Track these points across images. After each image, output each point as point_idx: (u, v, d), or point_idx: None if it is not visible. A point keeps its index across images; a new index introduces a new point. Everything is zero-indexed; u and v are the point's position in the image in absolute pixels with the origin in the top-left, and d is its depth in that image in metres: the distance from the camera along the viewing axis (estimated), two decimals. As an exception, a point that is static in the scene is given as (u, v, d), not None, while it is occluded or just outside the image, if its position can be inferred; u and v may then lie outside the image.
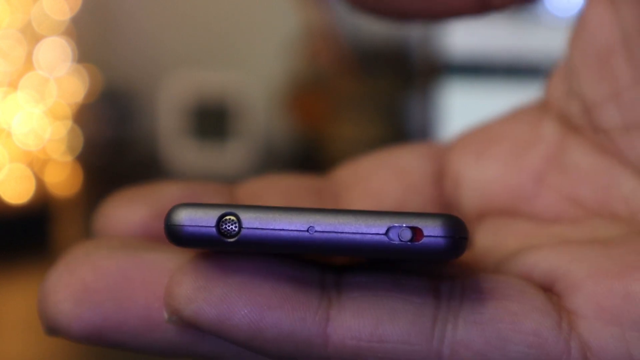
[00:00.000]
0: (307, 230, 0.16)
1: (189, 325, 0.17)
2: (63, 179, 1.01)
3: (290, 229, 0.16)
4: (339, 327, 0.16)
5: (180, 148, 1.16)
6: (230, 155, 1.15)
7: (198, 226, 0.16)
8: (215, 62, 1.23)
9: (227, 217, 0.16)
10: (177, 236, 0.16)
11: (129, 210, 0.20)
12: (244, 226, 0.16)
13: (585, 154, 0.21)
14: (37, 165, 0.97)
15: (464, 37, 0.84)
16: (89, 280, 0.18)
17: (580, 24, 0.21)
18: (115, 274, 0.18)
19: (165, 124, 1.18)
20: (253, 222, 0.16)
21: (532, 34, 0.86)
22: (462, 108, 0.85)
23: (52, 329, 0.18)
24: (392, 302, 0.17)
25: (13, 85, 0.94)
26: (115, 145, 1.18)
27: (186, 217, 0.16)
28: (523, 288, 0.17)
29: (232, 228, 0.16)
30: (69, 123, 1.02)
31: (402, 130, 1.08)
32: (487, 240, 0.21)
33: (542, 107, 0.22)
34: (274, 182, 0.23)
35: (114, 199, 0.21)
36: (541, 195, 0.21)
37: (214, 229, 0.16)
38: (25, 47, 0.95)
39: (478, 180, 0.22)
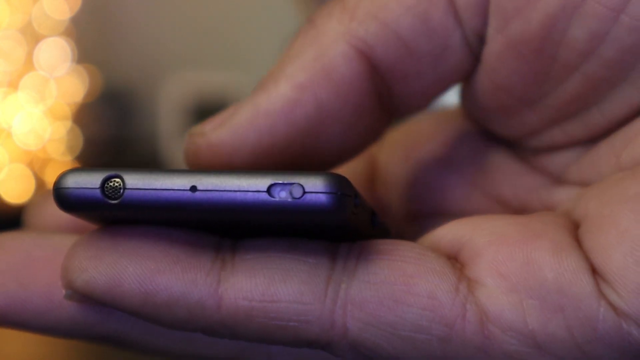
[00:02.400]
0: (190, 189, 0.16)
1: (83, 297, 0.17)
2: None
3: (173, 188, 0.16)
4: (230, 288, 0.16)
5: (180, 148, 1.16)
6: (231, 155, 1.15)
7: (83, 188, 0.16)
8: (216, 62, 1.23)
9: (112, 179, 0.16)
10: (64, 199, 0.16)
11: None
12: (127, 187, 0.16)
13: (507, 159, 0.21)
14: (37, 165, 0.97)
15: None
16: None
17: (464, 90, 0.21)
18: (19, 254, 0.18)
19: (165, 124, 1.18)
20: (136, 183, 0.16)
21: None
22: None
23: None
24: (285, 262, 0.16)
25: (13, 85, 0.94)
26: (115, 145, 1.18)
27: (72, 180, 0.16)
28: (422, 251, 0.17)
29: (116, 190, 0.16)
30: (68, 123, 1.02)
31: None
32: (414, 237, 0.21)
33: (466, 111, 0.22)
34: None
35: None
36: (468, 195, 0.21)
37: (98, 191, 0.16)
38: (25, 47, 0.95)
39: (406, 183, 0.22)
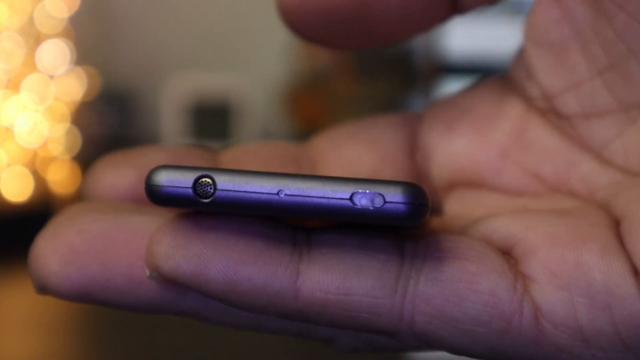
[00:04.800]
0: (277, 194, 0.17)
1: (168, 280, 0.18)
2: (63, 178, 1.01)
3: (261, 191, 0.17)
4: (308, 281, 0.17)
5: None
6: (231, 155, 1.15)
7: (176, 187, 0.17)
8: (216, 63, 1.24)
9: (203, 179, 0.17)
10: (156, 195, 0.17)
11: (117, 174, 0.22)
12: (218, 188, 0.17)
13: (547, 133, 0.22)
14: (38, 164, 0.97)
15: (464, 38, 0.85)
16: (76, 243, 0.19)
17: (531, 20, 0.22)
18: (99, 236, 0.19)
19: (166, 124, 1.18)
20: (227, 184, 0.17)
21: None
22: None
23: (42, 289, 0.19)
24: (359, 258, 0.18)
25: (15, 86, 0.95)
26: (116, 145, 1.18)
27: (165, 178, 0.17)
28: (483, 250, 0.18)
29: (207, 189, 0.17)
30: (68, 125, 1.02)
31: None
32: (455, 209, 0.22)
33: (507, 83, 0.23)
34: (254, 148, 0.24)
35: (102, 163, 0.22)
36: (506, 169, 0.22)
37: (190, 190, 0.17)
38: (25, 48, 0.95)
39: (447, 154, 0.23)
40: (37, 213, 0.92)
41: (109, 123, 1.19)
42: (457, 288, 0.18)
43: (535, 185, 0.22)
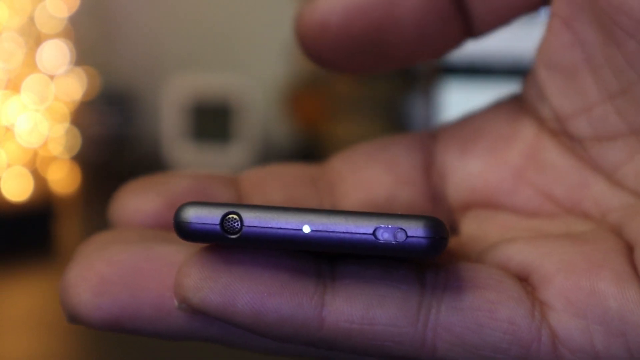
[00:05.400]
0: (302, 229, 0.18)
1: (196, 311, 0.18)
2: (64, 177, 1.01)
3: (286, 227, 0.18)
4: (333, 311, 0.18)
5: (181, 148, 1.17)
6: (231, 156, 1.15)
7: (204, 223, 0.18)
8: (216, 63, 1.24)
9: (230, 216, 0.18)
10: (184, 232, 0.18)
11: (142, 201, 0.22)
12: (245, 224, 0.18)
13: (559, 154, 0.22)
14: (38, 164, 0.97)
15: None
16: (106, 274, 0.19)
17: (542, 44, 0.22)
18: (129, 267, 0.20)
19: (166, 124, 1.18)
20: (253, 220, 0.18)
21: (531, 36, 0.86)
22: (462, 110, 0.85)
23: (74, 318, 0.20)
24: (381, 288, 0.18)
25: (15, 86, 0.95)
26: (116, 146, 1.19)
27: (193, 215, 0.18)
28: (501, 278, 0.19)
29: (234, 225, 0.18)
30: (68, 124, 1.03)
31: (402, 132, 1.09)
32: (471, 229, 0.23)
33: (519, 103, 0.24)
34: (273, 172, 0.24)
35: (127, 190, 0.23)
36: (519, 190, 0.23)
37: (218, 227, 0.18)
38: (25, 48, 0.95)
39: (462, 175, 0.24)
40: (37, 213, 0.92)
41: (109, 123, 1.19)
42: (477, 316, 0.18)
43: (549, 206, 0.22)
